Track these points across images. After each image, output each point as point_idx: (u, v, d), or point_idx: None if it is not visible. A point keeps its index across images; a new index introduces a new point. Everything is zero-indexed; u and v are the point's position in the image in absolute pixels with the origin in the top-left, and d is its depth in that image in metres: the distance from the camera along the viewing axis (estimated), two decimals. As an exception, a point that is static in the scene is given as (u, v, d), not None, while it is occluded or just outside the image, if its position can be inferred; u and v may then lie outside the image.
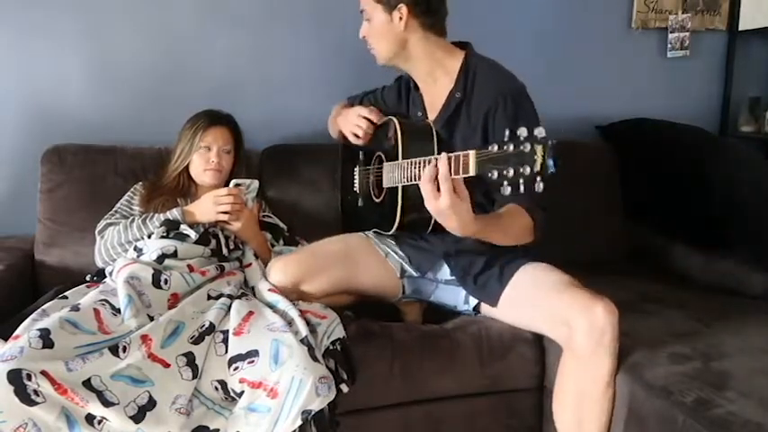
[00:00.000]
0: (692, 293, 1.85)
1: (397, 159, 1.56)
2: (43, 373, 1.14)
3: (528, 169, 1.06)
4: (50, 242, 1.87)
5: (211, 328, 1.36)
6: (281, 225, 1.88)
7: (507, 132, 1.11)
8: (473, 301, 1.68)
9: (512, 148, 1.09)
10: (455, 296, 1.71)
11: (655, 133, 2.29)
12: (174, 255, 1.55)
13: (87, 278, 1.62)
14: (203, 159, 1.77)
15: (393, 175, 1.57)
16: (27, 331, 1.23)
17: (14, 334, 1.25)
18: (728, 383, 1.29)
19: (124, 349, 1.25)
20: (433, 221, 1.56)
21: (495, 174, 1.11)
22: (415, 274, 1.70)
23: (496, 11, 2.30)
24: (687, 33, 2.55)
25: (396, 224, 1.58)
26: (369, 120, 1.74)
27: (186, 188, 1.80)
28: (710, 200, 2.02)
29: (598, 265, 2.01)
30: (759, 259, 1.90)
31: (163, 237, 1.60)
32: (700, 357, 1.40)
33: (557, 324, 1.42)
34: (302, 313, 1.46)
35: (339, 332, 1.46)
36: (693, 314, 1.66)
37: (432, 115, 1.68)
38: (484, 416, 1.62)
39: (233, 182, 1.71)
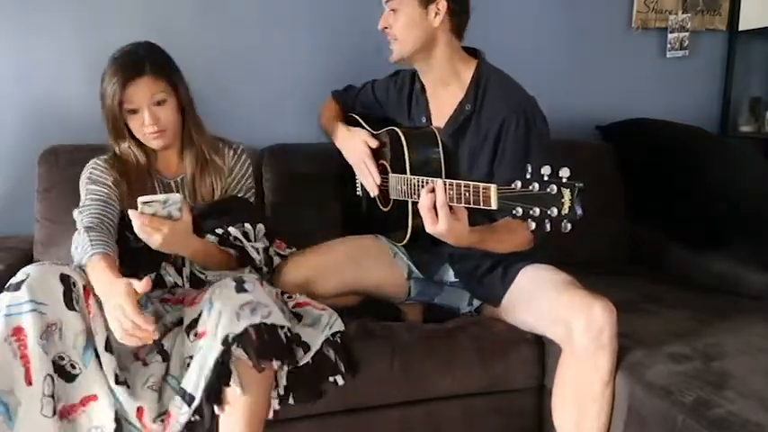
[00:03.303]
0: (692, 293, 1.85)
1: (405, 173, 1.54)
2: (85, 289, 1.26)
3: (555, 211, 1.06)
4: (49, 242, 1.87)
5: (179, 322, 1.38)
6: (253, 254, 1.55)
7: (530, 168, 1.10)
8: (476, 303, 1.69)
9: (537, 187, 1.09)
10: (459, 298, 1.71)
11: (655, 133, 2.29)
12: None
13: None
14: (137, 125, 1.48)
15: (401, 188, 1.54)
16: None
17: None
18: (728, 383, 1.29)
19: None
20: None
21: (521, 211, 1.12)
22: (421, 276, 1.70)
23: (496, 10, 2.30)
24: (687, 33, 2.54)
25: (407, 237, 1.60)
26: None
27: (148, 160, 1.55)
28: (710, 200, 2.02)
29: (598, 265, 2.01)
30: (759, 259, 1.90)
31: None
32: (700, 357, 1.40)
33: (555, 323, 1.42)
34: (302, 305, 1.47)
35: (339, 326, 1.46)
36: (693, 314, 1.66)
37: (437, 123, 1.64)
38: (484, 416, 1.62)
39: (140, 200, 1.32)
